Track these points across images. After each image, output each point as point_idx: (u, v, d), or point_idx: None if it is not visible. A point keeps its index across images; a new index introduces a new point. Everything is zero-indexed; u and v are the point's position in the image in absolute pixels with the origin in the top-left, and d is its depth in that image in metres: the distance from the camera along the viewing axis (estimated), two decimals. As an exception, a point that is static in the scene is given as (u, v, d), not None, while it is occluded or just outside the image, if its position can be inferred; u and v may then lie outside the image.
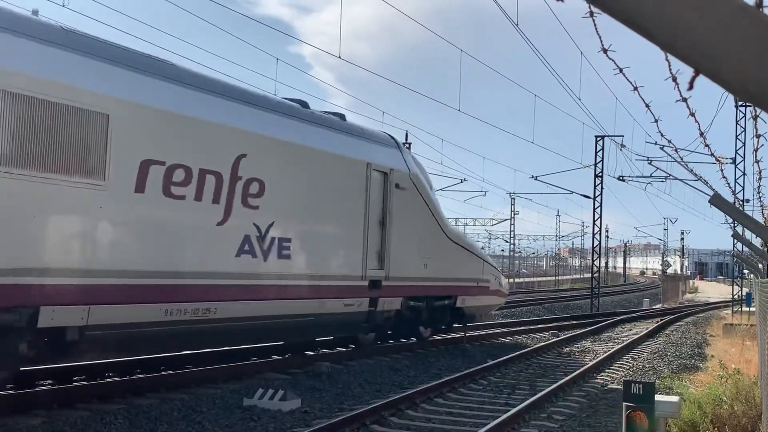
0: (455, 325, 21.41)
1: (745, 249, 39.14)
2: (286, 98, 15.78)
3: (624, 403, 7.03)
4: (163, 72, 12.04)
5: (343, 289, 15.69)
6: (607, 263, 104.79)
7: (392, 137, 18.64)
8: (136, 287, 11.12)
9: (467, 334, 21.68)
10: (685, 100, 6.07)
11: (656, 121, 8.14)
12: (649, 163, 34.69)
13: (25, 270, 9.55)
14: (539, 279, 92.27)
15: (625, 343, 23.17)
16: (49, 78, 9.94)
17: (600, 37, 5.67)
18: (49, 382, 11.93)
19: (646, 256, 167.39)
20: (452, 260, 19.69)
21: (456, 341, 21.43)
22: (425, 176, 19.24)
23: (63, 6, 15.74)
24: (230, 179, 12.82)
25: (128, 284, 10.96)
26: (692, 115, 6.86)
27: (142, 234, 11.29)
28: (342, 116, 17.08)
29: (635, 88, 6.72)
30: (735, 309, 41.67)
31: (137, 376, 12.99)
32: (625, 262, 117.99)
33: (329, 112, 17.00)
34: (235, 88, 13.86)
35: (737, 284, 46.83)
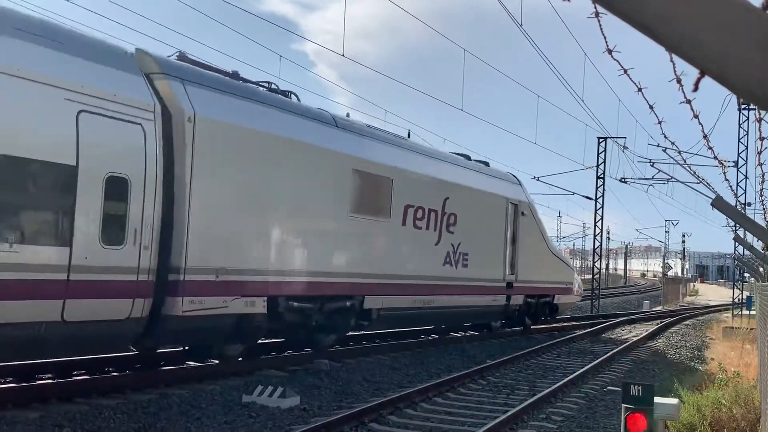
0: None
1: (747, 252, 39.13)
2: (454, 152, 22.91)
3: (623, 405, 7.03)
4: (414, 147, 19.60)
5: (492, 289, 22.11)
6: (607, 265, 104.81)
7: (515, 176, 25.45)
8: (403, 285, 17.85)
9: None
10: (689, 101, 6.06)
11: (660, 122, 8.14)
12: (652, 165, 34.70)
13: (358, 274, 16.40)
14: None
15: (625, 344, 23.17)
16: (371, 159, 16.98)
17: (605, 38, 5.66)
18: (48, 376, 11.93)
19: (647, 259, 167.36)
20: (553, 268, 26.07)
21: (457, 341, 21.45)
22: (534, 205, 25.86)
23: (69, 1, 15.72)
24: (441, 214, 19.43)
25: (400, 283, 17.78)
26: (696, 117, 6.86)
27: (404, 251, 18.06)
28: (486, 163, 24.05)
29: (639, 90, 6.71)
30: (735, 312, 41.65)
31: (136, 372, 12.98)
32: (625, 264, 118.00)
33: (478, 161, 23.64)
34: (441, 153, 21.55)
35: (738, 287, 46.82)
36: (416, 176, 18.46)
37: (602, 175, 42.67)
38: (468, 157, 22.85)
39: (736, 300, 44.53)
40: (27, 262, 9.81)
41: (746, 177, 37.04)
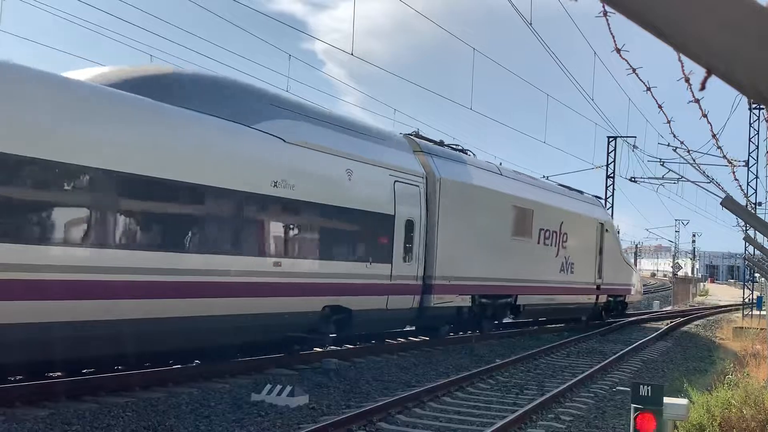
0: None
1: (757, 252, 38.96)
2: (562, 185, 29.82)
3: (632, 405, 7.00)
4: (544, 185, 27.01)
5: (588, 290, 28.70)
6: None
7: (599, 198, 33.04)
8: (539, 287, 24.35)
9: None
10: (697, 101, 6.04)
11: (669, 122, 8.11)
12: (662, 165, 34.58)
13: (514, 279, 22.53)
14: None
15: (634, 344, 23.10)
16: (521, 196, 23.66)
17: (613, 37, 5.65)
18: (58, 374, 11.97)
19: (657, 258, 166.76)
20: (625, 273, 32.78)
21: (466, 340, 21.43)
22: (612, 221, 32.97)
23: (82, 2, 15.76)
24: (559, 234, 25.75)
25: (537, 286, 24.13)
26: (705, 116, 6.83)
27: (539, 262, 24.42)
28: (581, 191, 30.04)
29: (648, 89, 6.69)
30: (745, 312, 41.48)
31: (146, 370, 13.00)
32: (635, 264, 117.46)
33: (576, 189, 29.73)
34: (559, 188, 28.31)
35: (748, 287, 46.61)
36: (546, 207, 25.12)
37: (612, 175, 42.57)
38: (568, 187, 29.54)
39: (747, 300, 44.34)
40: (375, 273, 16.94)
41: (757, 177, 36.89)
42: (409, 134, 20.69)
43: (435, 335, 20.52)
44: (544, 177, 29.97)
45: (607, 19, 5.24)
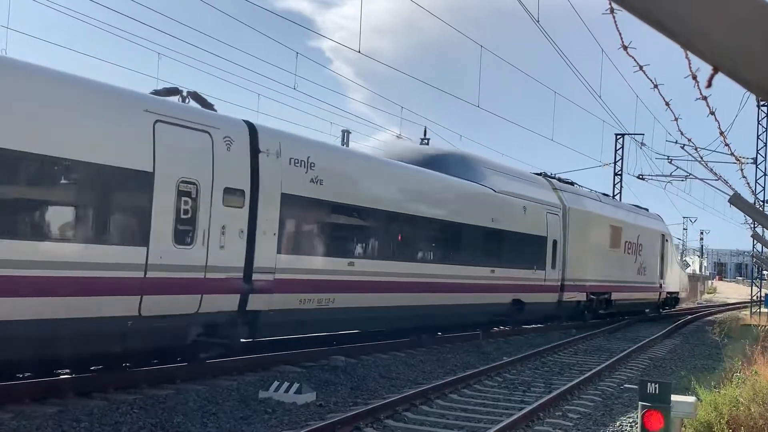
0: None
1: (765, 250, 38.84)
2: (634, 204, 37.75)
3: (640, 403, 7.00)
4: (627, 208, 34.88)
5: (653, 288, 36.22)
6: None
7: (660, 216, 39.50)
8: (625, 287, 31.57)
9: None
10: (705, 98, 6.03)
11: (676, 119, 8.08)
12: (670, 162, 34.45)
13: (610, 281, 29.80)
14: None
15: (641, 342, 23.06)
16: (615, 217, 31.92)
17: (620, 34, 5.64)
18: (66, 371, 12.00)
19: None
20: (677, 274, 41.37)
21: (472, 337, 21.42)
22: (669, 232, 40.91)
23: (93, 1, 15.78)
24: (636, 244, 32.72)
25: (623, 285, 31.28)
26: (712, 113, 6.81)
27: (625, 267, 31.68)
28: (647, 209, 37.78)
29: (655, 86, 6.68)
30: (753, 310, 41.36)
31: (153, 367, 13.03)
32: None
33: (640, 207, 37.23)
34: (636, 209, 35.97)
35: (756, 285, 46.48)
36: (629, 224, 32.55)
37: (620, 172, 42.50)
38: (637, 206, 36.82)
39: (755, 298, 44.21)
40: (537, 276, 24.11)
41: (765, 174, 36.76)
42: (545, 175, 28.04)
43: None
44: (551, 175, 30.18)
45: (614, 17, 5.23)
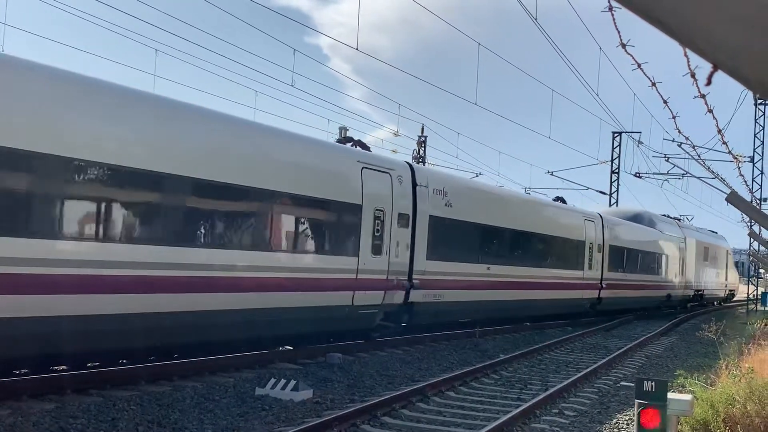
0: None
1: (762, 248, 38.90)
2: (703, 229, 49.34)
3: (636, 400, 7.01)
4: (692, 227, 46.33)
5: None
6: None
7: (678, 222, 44.85)
8: (701, 287, 44.38)
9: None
10: (703, 96, 6.03)
11: (674, 117, 8.09)
12: (667, 160, 34.40)
13: (701, 282, 44.14)
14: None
15: (638, 340, 23.09)
16: (707, 242, 47.08)
17: (618, 32, 5.64)
18: (63, 367, 11.99)
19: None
20: (734, 277, 52.99)
21: (470, 334, 21.43)
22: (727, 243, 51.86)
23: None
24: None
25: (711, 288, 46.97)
26: (710, 111, 6.82)
27: (700, 272, 44.49)
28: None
29: (653, 84, 6.68)
30: (750, 308, 41.42)
31: (150, 364, 13.02)
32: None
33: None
34: (702, 229, 48.99)
35: (753, 284, 46.54)
36: (702, 242, 42.81)
37: (617, 170, 42.53)
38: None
39: (751, 296, 44.28)
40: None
41: (762, 172, 36.84)
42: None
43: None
44: (548, 173, 30.74)
45: (612, 14, 5.24)
